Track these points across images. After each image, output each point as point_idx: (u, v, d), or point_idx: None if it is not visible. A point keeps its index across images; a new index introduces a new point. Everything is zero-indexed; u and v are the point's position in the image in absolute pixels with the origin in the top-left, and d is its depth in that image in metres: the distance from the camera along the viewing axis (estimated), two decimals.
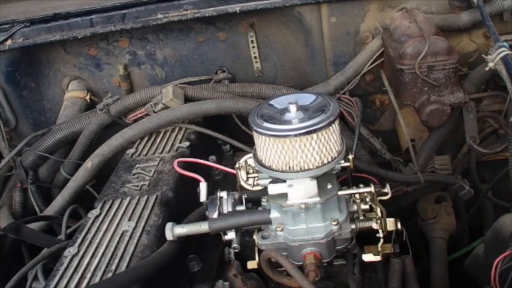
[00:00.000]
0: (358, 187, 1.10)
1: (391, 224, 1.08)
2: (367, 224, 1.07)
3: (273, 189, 1.03)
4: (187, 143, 1.47)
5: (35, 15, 1.65)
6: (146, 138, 1.55)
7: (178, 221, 1.11)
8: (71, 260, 1.07)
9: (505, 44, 1.29)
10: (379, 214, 1.06)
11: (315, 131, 0.98)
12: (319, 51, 1.65)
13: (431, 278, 1.58)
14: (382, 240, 1.08)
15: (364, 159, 1.59)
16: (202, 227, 1.07)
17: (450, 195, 1.75)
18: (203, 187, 1.13)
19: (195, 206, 1.16)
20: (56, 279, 1.01)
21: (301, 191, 1.02)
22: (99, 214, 1.21)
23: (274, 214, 1.06)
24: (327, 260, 1.06)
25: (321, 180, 1.05)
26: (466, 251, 1.79)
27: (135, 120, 1.60)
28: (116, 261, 1.04)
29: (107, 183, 1.35)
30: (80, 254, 1.08)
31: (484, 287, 1.27)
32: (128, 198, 1.25)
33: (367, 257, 1.14)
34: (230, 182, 1.38)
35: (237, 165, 1.15)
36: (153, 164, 1.39)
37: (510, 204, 1.67)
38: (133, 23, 1.60)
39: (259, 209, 1.11)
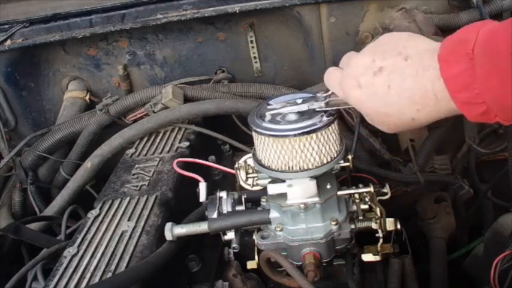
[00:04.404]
0: (357, 187, 1.10)
1: (390, 224, 1.08)
2: (366, 224, 1.07)
3: (273, 189, 1.03)
4: (187, 143, 1.47)
5: (35, 15, 1.65)
6: (146, 139, 1.55)
7: (178, 221, 1.11)
8: (71, 260, 1.07)
9: None
10: (379, 214, 1.06)
11: (314, 130, 0.98)
12: (319, 51, 1.65)
13: (431, 278, 1.58)
14: (381, 240, 1.08)
15: (363, 159, 1.59)
16: (202, 227, 1.07)
17: (450, 195, 1.75)
18: (202, 187, 1.13)
19: (194, 206, 1.16)
20: (55, 280, 1.02)
21: (301, 191, 1.02)
22: (99, 214, 1.21)
23: (273, 214, 1.06)
24: (326, 260, 1.06)
25: (321, 180, 1.05)
26: (466, 250, 1.80)
27: (135, 121, 1.59)
28: (116, 261, 1.04)
29: (107, 183, 1.35)
30: (80, 254, 1.08)
31: (484, 287, 1.27)
32: (128, 198, 1.25)
33: (367, 257, 1.14)
34: (230, 182, 1.38)
35: (236, 165, 1.15)
36: (153, 164, 1.39)
37: (510, 204, 1.67)
38: (132, 23, 1.60)
39: (259, 209, 1.11)
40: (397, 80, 0.82)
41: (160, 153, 1.45)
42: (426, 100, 0.80)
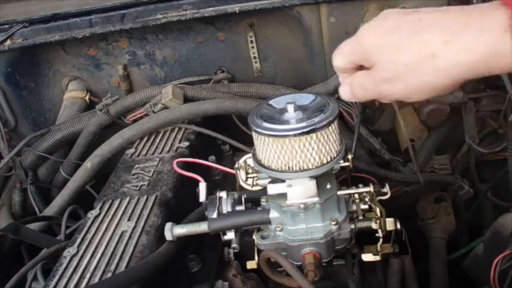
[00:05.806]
0: (357, 187, 1.10)
1: (390, 223, 1.08)
2: (366, 224, 1.07)
3: (272, 189, 1.03)
4: (187, 143, 1.47)
5: (34, 15, 1.65)
6: (146, 139, 1.55)
7: (178, 221, 1.11)
8: (70, 260, 1.07)
9: None
10: (379, 214, 1.06)
11: (314, 130, 0.98)
12: (319, 51, 1.64)
13: (431, 278, 1.58)
14: (381, 240, 1.08)
15: (363, 159, 1.59)
16: (202, 227, 1.07)
17: (450, 195, 1.75)
18: (202, 187, 1.12)
19: (194, 206, 1.16)
20: (55, 280, 1.02)
21: (301, 191, 1.02)
22: (99, 214, 1.21)
23: (273, 214, 1.06)
24: (326, 260, 1.06)
25: (320, 180, 1.05)
26: (466, 250, 1.80)
27: (135, 121, 1.59)
28: (115, 261, 1.04)
29: (106, 183, 1.35)
30: (79, 254, 1.08)
31: (484, 286, 1.27)
32: (127, 198, 1.25)
33: (367, 257, 1.14)
34: (230, 182, 1.38)
35: (236, 165, 1.15)
36: (153, 164, 1.39)
37: (509, 204, 1.67)
38: (132, 23, 1.60)
39: (259, 209, 1.11)
40: (432, 14, 0.71)
41: (160, 153, 1.45)
42: (466, 24, 0.66)
